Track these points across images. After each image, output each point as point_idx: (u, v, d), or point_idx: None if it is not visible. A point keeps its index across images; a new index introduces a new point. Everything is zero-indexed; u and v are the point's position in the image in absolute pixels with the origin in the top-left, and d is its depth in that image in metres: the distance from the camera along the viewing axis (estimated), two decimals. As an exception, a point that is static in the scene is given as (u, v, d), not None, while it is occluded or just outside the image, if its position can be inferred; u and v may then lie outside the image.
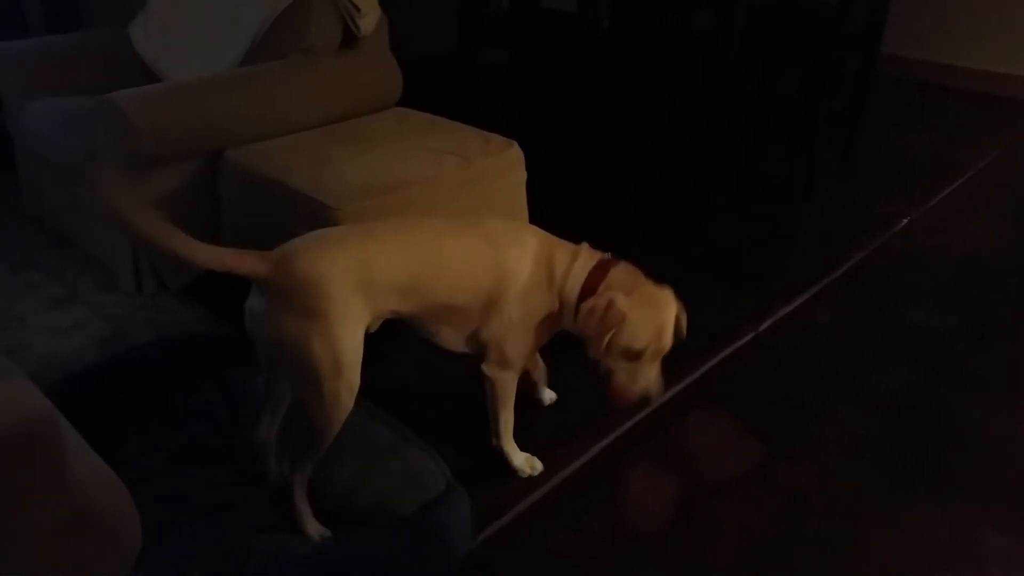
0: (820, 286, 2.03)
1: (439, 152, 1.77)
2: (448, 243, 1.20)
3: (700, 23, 2.75)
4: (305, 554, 1.08)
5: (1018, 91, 3.50)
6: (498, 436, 1.33)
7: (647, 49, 2.66)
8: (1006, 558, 1.25)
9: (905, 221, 2.40)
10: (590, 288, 1.19)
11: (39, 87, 2.05)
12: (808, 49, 2.47)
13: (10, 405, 0.64)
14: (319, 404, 1.09)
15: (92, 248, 1.99)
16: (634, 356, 1.16)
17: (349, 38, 2.00)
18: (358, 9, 1.96)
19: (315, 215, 1.51)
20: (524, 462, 1.36)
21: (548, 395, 1.52)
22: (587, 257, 1.22)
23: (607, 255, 1.24)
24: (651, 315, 1.16)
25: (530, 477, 1.35)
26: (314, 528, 1.15)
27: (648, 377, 1.18)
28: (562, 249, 1.24)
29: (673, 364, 1.68)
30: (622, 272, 1.20)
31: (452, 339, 1.25)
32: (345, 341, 1.08)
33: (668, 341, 1.18)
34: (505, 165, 1.84)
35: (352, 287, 1.09)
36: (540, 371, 1.50)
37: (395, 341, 1.39)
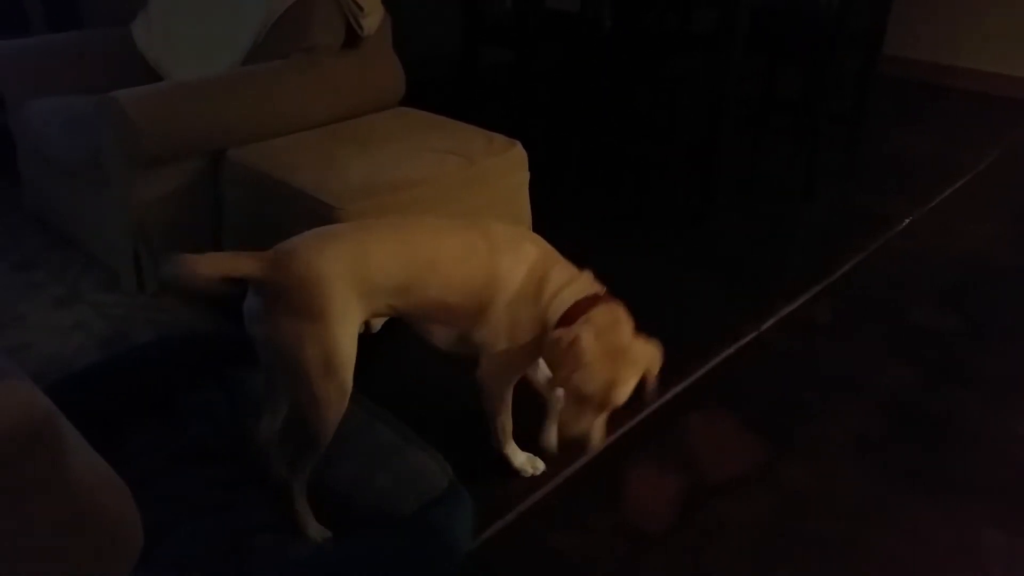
0: (821, 286, 2.03)
1: (442, 152, 1.78)
2: (446, 241, 1.19)
3: (702, 23, 2.75)
4: (306, 554, 1.08)
5: (1019, 91, 3.50)
6: (497, 440, 1.33)
7: (649, 49, 2.67)
8: (1006, 557, 1.25)
9: (906, 221, 2.40)
10: (570, 317, 1.14)
11: (40, 86, 2.05)
12: (809, 49, 2.48)
13: (10, 404, 0.64)
14: (312, 405, 1.09)
15: (93, 248, 1.99)
16: (582, 399, 1.11)
17: (352, 37, 2.00)
18: (361, 8, 1.96)
19: (318, 215, 1.51)
20: (525, 462, 1.36)
21: (552, 440, 1.38)
22: (581, 285, 1.18)
23: (603, 290, 1.19)
24: (610, 366, 1.09)
25: (532, 476, 1.35)
26: (315, 529, 1.15)
27: (589, 424, 1.11)
28: (559, 268, 1.20)
29: (674, 363, 1.69)
30: (606, 312, 1.13)
31: (445, 339, 1.24)
32: (339, 342, 1.07)
33: (620, 398, 1.11)
34: (508, 165, 1.84)
35: (348, 285, 1.08)
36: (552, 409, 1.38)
37: (396, 341, 1.39)
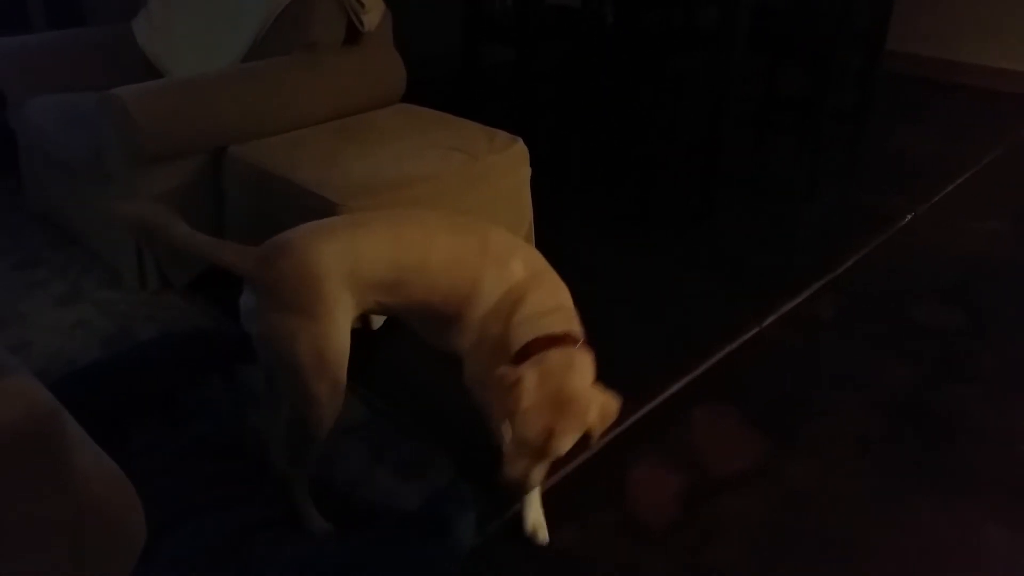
0: (823, 283, 2.02)
1: (444, 148, 1.77)
2: (439, 240, 1.15)
3: (704, 21, 2.74)
4: (309, 550, 1.08)
5: (1023, 87, 3.48)
6: (496, 439, 1.32)
7: (651, 46, 2.66)
8: (1008, 553, 1.25)
9: (909, 217, 2.39)
10: (525, 353, 1.05)
11: (42, 83, 2.05)
12: (811, 47, 2.47)
13: (14, 400, 0.64)
14: (306, 400, 1.08)
15: (96, 245, 1.99)
16: (519, 443, 1.01)
17: (353, 34, 2.00)
18: (362, 5, 1.96)
19: (319, 211, 1.51)
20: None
21: (539, 531, 1.24)
22: (554, 320, 1.08)
23: (576, 331, 1.09)
24: (550, 416, 0.99)
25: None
26: (318, 524, 1.15)
27: (525, 468, 1.02)
28: (540, 295, 1.11)
29: (676, 360, 1.68)
30: (561, 356, 1.03)
31: (432, 339, 1.20)
32: (330, 338, 1.06)
33: (559, 450, 1.01)
34: (510, 161, 1.84)
35: (338, 280, 1.07)
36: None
37: (399, 337, 1.39)
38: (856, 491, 1.37)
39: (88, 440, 0.77)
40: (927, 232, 2.33)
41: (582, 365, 1.04)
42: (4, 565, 0.63)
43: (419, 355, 1.45)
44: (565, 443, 1.01)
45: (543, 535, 1.22)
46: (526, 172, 1.89)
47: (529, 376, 1.00)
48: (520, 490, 1.06)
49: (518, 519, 1.25)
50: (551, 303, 1.12)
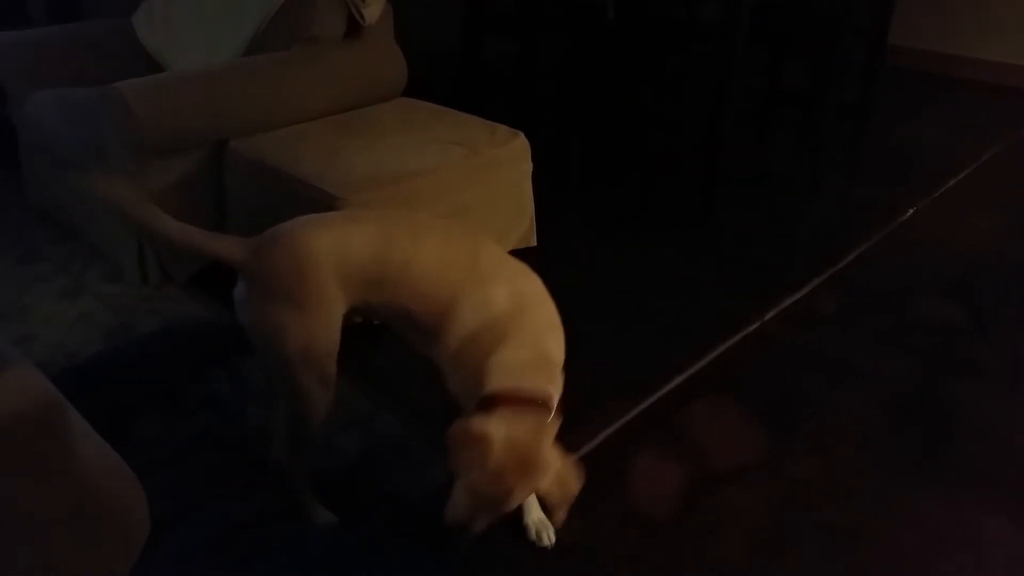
0: (824, 277, 2.02)
1: (445, 142, 1.77)
2: (428, 245, 1.11)
3: (706, 16, 2.73)
4: (311, 540, 1.09)
5: (1025, 82, 3.47)
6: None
7: (653, 40, 2.65)
8: (1007, 546, 1.26)
9: (910, 212, 2.39)
10: (494, 402, 0.99)
11: (42, 78, 2.04)
12: (814, 42, 2.46)
13: (19, 390, 0.64)
14: (296, 392, 1.08)
15: (97, 240, 1.99)
16: (473, 494, 0.97)
17: (353, 27, 1.99)
18: (362, -2, 1.95)
19: (321, 205, 1.51)
20: None
21: (544, 532, 1.22)
22: (533, 376, 1.01)
23: (550, 398, 1.02)
24: (513, 479, 0.95)
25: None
26: (322, 516, 1.15)
27: (473, 516, 0.98)
28: (523, 338, 1.03)
29: (677, 354, 1.68)
30: (534, 424, 0.98)
31: (415, 346, 1.16)
32: (318, 329, 1.06)
33: (510, 507, 0.98)
34: (511, 156, 1.84)
35: (328, 272, 1.06)
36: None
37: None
38: (857, 486, 1.37)
39: (92, 432, 0.77)
40: (928, 227, 2.33)
41: (549, 430, 1.00)
42: (8, 554, 0.64)
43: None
44: (517, 502, 0.99)
45: (548, 536, 1.20)
46: (527, 166, 1.88)
47: (495, 435, 0.94)
48: (463, 533, 1.00)
49: (521, 508, 1.25)
50: (531, 353, 1.04)
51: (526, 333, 1.04)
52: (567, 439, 1.40)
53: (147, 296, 1.79)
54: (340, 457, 1.23)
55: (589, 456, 1.39)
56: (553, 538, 1.21)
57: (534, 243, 1.98)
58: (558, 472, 1.00)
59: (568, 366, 1.53)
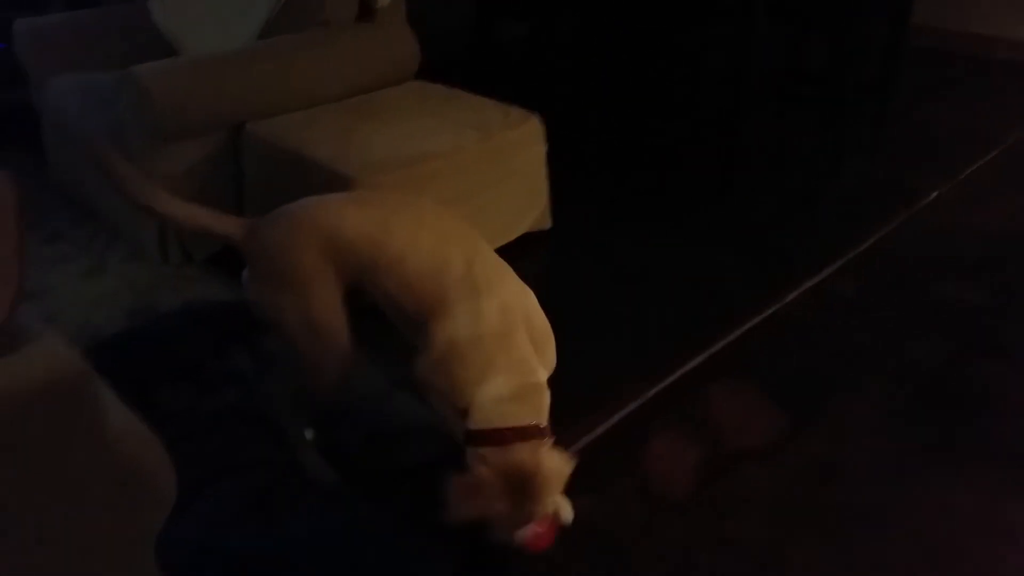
0: (847, 258, 2.00)
1: (458, 125, 1.77)
2: (425, 240, 1.09)
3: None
4: (325, 509, 1.11)
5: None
6: (442, 428, 1.24)
7: (670, 19, 2.60)
8: (1030, 529, 1.24)
9: (934, 194, 2.34)
10: (487, 437, 1.00)
11: (61, 63, 2.07)
12: (836, 18, 2.40)
13: (49, 361, 0.65)
14: (304, 365, 1.11)
15: (118, 221, 2.02)
16: (499, 525, 1.01)
17: (366, 11, 1.99)
18: (375, -20, 1.94)
19: (336, 187, 1.52)
20: None
21: (562, 510, 1.19)
22: (520, 408, 1.01)
23: (542, 426, 1.02)
24: (526, 503, 0.98)
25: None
26: (325, 473, 1.17)
27: (511, 533, 1.02)
28: (510, 362, 1.02)
29: (698, 333, 1.66)
30: (526, 450, 0.99)
31: (407, 334, 1.14)
32: (313, 307, 1.08)
33: (536, 516, 1.01)
34: (525, 137, 1.83)
35: (319, 252, 1.07)
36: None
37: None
38: (877, 466, 1.36)
39: (119, 403, 0.79)
40: (952, 209, 2.28)
41: (550, 461, 1.01)
42: (43, 517, 0.66)
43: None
44: (546, 509, 1.02)
45: (567, 513, 1.19)
46: (541, 148, 1.87)
47: (493, 479, 0.97)
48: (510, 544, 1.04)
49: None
50: (517, 382, 1.03)
51: (512, 359, 1.03)
52: (586, 417, 1.41)
53: (168, 275, 1.82)
54: (355, 430, 1.25)
55: (606, 433, 1.40)
56: (571, 516, 1.22)
57: (549, 225, 1.98)
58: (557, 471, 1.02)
59: (586, 346, 1.52)
